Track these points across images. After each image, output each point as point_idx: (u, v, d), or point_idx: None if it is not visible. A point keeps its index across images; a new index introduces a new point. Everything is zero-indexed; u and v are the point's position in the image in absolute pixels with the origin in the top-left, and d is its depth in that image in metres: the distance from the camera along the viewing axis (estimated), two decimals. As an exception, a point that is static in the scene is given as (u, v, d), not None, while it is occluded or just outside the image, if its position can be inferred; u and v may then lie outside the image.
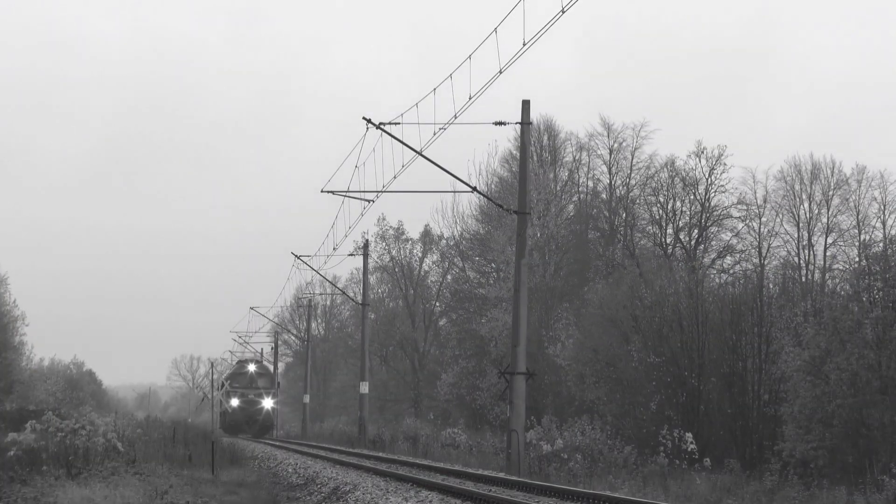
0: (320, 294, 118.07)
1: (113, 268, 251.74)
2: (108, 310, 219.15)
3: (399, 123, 42.50)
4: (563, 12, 20.14)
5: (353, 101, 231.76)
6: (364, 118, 39.92)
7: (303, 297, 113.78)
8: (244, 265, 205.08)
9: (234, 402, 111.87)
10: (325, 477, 37.00)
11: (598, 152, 75.70)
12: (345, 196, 45.82)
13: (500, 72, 26.88)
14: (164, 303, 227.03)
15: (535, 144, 70.74)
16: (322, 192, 51.65)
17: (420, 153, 37.99)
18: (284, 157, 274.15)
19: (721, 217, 72.23)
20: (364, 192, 45.24)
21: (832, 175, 68.18)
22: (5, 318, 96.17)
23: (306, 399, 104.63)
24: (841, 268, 65.17)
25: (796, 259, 70.33)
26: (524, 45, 23.18)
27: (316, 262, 74.06)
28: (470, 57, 36.13)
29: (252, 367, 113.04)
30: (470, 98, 33.78)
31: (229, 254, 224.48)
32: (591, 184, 78.91)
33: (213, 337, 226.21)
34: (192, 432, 70.69)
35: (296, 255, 78.21)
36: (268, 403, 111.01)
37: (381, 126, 39.68)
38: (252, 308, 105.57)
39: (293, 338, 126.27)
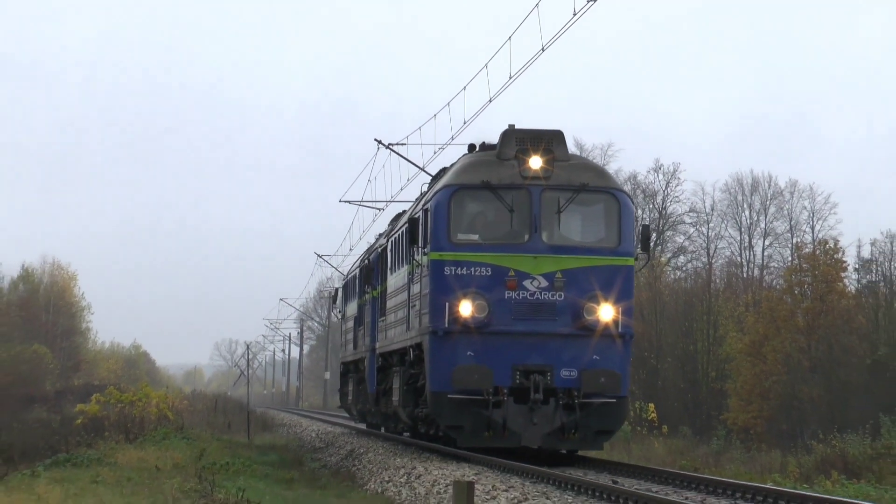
0: (338, 288, 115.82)
1: (164, 261, 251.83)
2: (160, 297, 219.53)
3: (405, 144, 42.38)
4: (543, 50, 20.32)
5: (367, 124, 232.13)
6: (376, 140, 39.84)
7: (324, 289, 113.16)
8: (275, 262, 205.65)
9: None
10: (342, 441, 36.99)
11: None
12: (359, 205, 45.56)
13: (490, 100, 26.96)
14: (208, 292, 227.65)
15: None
16: (340, 201, 51.54)
17: (423, 169, 37.98)
18: (309, 172, 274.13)
19: (675, 223, 72.13)
20: (375, 201, 45.04)
21: (769, 188, 68.17)
22: (74, 308, 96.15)
23: (327, 375, 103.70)
24: (776, 266, 65.12)
25: (739, 258, 70.23)
26: (510, 77, 23.47)
27: (335, 261, 73.73)
28: (465, 88, 36.19)
29: None
30: (465, 122, 33.65)
31: (264, 251, 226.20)
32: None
33: (248, 323, 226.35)
34: (231, 404, 70.67)
35: (318, 255, 77.68)
36: None
37: (391, 146, 39.64)
38: (282, 299, 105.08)
39: (316, 324, 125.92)
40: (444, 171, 24.69)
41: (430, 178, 26.59)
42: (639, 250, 21.53)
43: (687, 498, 16.96)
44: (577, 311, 21.26)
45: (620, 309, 21.40)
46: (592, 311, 21.30)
